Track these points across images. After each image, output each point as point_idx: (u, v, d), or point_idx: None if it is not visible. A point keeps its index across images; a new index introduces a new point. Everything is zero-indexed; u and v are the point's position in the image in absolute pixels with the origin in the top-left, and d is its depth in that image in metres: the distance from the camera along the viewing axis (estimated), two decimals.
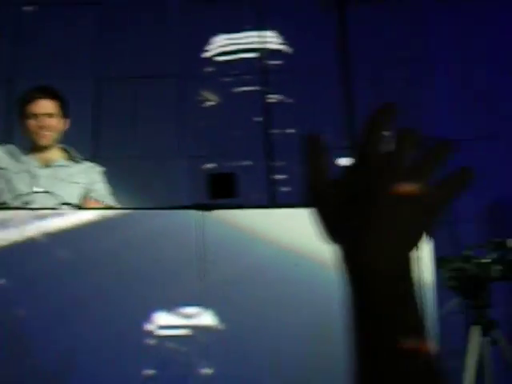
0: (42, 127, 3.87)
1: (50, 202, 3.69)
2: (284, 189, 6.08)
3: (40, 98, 3.90)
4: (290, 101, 6.30)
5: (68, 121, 4.03)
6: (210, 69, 6.43)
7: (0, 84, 6.51)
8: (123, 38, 6.48)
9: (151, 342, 2.56)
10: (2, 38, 6.59)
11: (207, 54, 6.44)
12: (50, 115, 3.90)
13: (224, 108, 6.32)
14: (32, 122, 3.87)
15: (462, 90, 6.34)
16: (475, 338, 3.91)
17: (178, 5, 6.58)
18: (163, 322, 2.60)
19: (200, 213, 2.58)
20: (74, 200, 3.76)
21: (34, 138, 3.91)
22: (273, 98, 6.29)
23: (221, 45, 6.46)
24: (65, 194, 3.75)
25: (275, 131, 6.20)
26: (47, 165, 3.92)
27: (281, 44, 6.46)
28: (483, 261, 3.85)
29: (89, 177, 4.06)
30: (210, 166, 6.15)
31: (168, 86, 6.33)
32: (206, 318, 2.58)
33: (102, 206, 3.43)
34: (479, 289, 3.84)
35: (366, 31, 6.46)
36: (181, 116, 6.26)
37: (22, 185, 3.76)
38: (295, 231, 2.72)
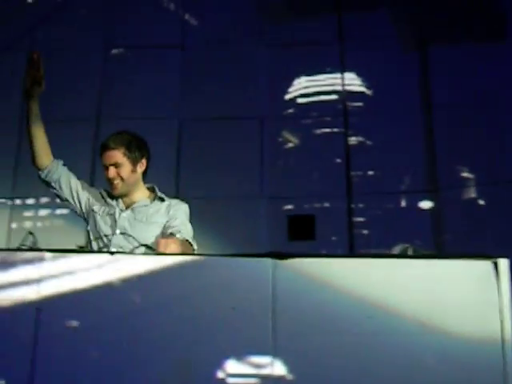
0: (111, 178, 3.89)
1: (128, 244, 3.76)
2: (364, 231, 6.03)
3: (106, 149, 3.91)
4: (371, 143, 6.28)
5: (144, 161, 4.00)
6: (291, 110, 6.48)
7: (88, 123, 6.73)
8: (207, 80, 6.61)
9: None
10: (87, 78, 6.82)
11: (289, 96, 6.50)
12: (116, 165, 3.90)
13: (305, 149, 6.34)
14: (105, 173, 3.93)
15: None
16: None
17: (259, 48, 6.68)
18: (234, 370, 2.61)
19: (274, 261, 2.59)
20: (152, 240, 3.78)
21: (109, 187, 3.97)
22: (353, 139, 6.28)
23: (302, 86, 6.51)
24: (142, 236, 3.79)
25: (355, 173, 6.18)
26: (128, 207, 3.97)
27: (361, 85, 6.46)
28: None
29: (168, 214, 3.95)
30: (289, 207, 6.17)
31: (250, 126, 6.41)
32: (276, 368, 2.57)
33: (177, 248, 3.41)
34: None
35: (448, 72, 6.38)
36: (262, 157, 6.32)
37: (105, 227, 3.85)
38: (370, 282, 2.69)
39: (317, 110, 6.45)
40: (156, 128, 6.53)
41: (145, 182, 4.04)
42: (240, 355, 2.58)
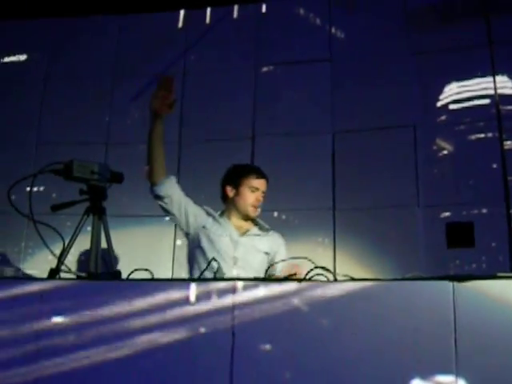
0: (258, 202, 4.32)
1: (245, 268, 4.08)
2: None
3: (264, 177, 4.45)
4: None
5: None
6: (443, 117, 6.49)
7: (244, 140, 6.98)
8: (358, 92, 6.72)
9: None
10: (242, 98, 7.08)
11: (441, 103, 6.51)
12: (264, 193, 4.34)
13: (459, 156, 6.33)
14: (252, 195, 4.31)
15: None
16: None
17: (408, 56, 6.72)
18: None
19: (453, 283, 2.70)
20: (257, 266, 4.20)
21: (247, 209, 4.34)
22: (509, 143, 6.21)
23: (454, 93, 6.50)
24: (251, 263, 4.21)
25: None
26: (244, 233, 4.30)
27: None
28: None
29: (271, 246, 4.40)
30: (446, 214, 6.18)
31: (403, 135, 6.47)
32: None
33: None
34: None
35: None
36: (416, 165, 6.36)
37: (226, 248, 4.18)
38: None
39: (470, 116, 6.41)
40: (310, 143, 6.72)
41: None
42: (424, 375, 2.70)
